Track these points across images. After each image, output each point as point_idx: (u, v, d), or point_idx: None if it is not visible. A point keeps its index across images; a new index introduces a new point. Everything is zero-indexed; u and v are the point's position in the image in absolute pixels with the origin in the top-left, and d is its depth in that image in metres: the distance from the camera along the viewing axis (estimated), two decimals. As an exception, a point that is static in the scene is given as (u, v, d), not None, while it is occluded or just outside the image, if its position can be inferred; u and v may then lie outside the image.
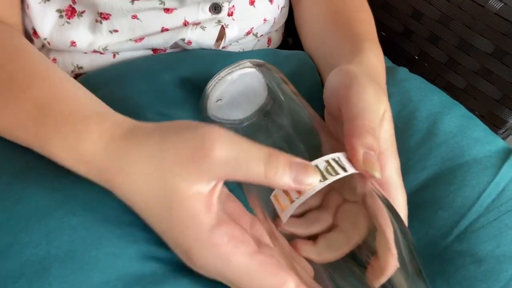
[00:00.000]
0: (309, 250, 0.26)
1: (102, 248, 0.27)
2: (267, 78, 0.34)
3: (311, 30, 0.50)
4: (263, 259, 0.25)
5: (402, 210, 0.30)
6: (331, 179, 0.26)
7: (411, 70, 0.64)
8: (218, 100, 0.34)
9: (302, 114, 0.32)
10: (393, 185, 0.30)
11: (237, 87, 0.34)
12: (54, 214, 0.28)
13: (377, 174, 0.28)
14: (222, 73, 0.34)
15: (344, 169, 0.27)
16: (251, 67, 0.34)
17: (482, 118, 0.58)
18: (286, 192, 0.27)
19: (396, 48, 0.65)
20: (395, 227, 0.26)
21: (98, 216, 0.28)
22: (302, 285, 0.25)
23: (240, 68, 0.34)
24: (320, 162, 0.27)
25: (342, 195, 0.28)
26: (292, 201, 0.26)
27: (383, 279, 0.24)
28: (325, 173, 0.26)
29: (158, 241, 0.28)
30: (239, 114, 0.32)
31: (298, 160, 0.26)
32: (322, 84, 0.45)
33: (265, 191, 0.27)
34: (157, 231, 0.27)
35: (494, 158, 0.38)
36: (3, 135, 0.33)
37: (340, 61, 0.39)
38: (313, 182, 0.25)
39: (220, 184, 0.26)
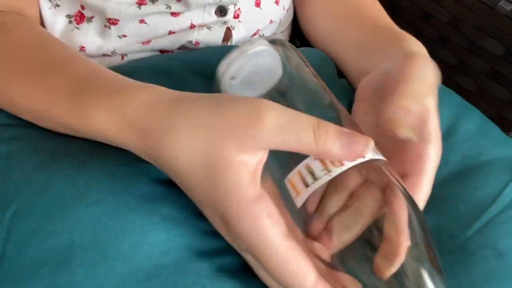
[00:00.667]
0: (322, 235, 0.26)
1: (125, 238, 0.27)
2: (283, 57, 0.33)
3: (324, 27, 0.49)
4: (293, 245, 0.25)
5: (421, 202, 0.31)
6: (348, 164, 0.26)
7: (419, 72, 0.63)
8: (232, 78, 0.32)
9: (320, 94, 0.31)
10: (424, 173, 0.31)
11: (252, 65, 0.33)
12: (77, 204, 0.28)
13: (404, 132, 0.28)
14: (237, 52, 0.33)
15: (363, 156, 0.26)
16: (267, 45, 0.33)
17: (491, 120, 0.58)
18: (301, 176, 0.26)
19: (404, 50, 0.64)
20: (410, 210, 0.26)
21: (121, 206, 0.28)
22: (321, 280, 0.25)
23: (255, 46, 0.33)
24: None
25: (358, 179, 0.27)
26: (307, 186, 0.26)
27: (396, 264, 0.24)
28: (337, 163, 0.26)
29: (180, 230, 0.28)
30: (254, 92, 0.31)
31: (347, 129, 0.26)
32: (340, 77, 0.45)
33: (282, 177, 0.27)
34: (195, 198, 0.27)
35: None
36: (34, 119, 0.33)
37: (377, 52, 0.38)
38: (363, 151, 0.25)
39: (265, 157, 0.26)
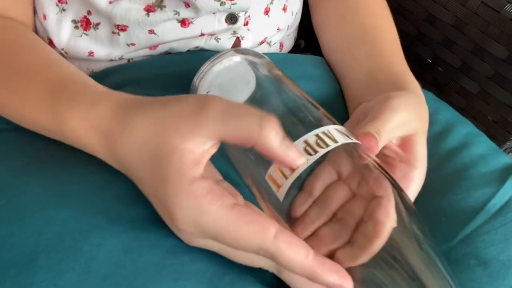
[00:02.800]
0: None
1: (88, 238, 0.28)
2: (254, 65, 0.34)
3: (332, 38, 0.50)
4: (242, 209, 0.25)
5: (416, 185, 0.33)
6: (321, 151, 0.26)
7: (423, 74, 0.64)
8: (208, 92, 0.34)
9: (294, 98, 0.32)
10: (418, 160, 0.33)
11: (224, 77, 0.34)
12: (48, 207, 0.29)
13: (364, 130, 0.30)
14: (208, 65, 0.34)
15: (335, 141, 0.27)
16: (235, 55, 0.34)
17: (494, 123, 0.58)
18: (280, 170, 0.27)
19: (409, 52, 0.64)
20: (396, 196, 0.26)
21: (89, 209, 0.29)
22: (284, 230, 0.25)
23: (224, 58, 0.34)
24: (310, 136, 0.27)
25: (339, 172, 0.28)
26: (286, 178, 0.26)
27: (379, 239, 0.24)
28: (315, 146, 0.26)
29: (145, 230, 0.29)
30: None
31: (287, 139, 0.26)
32: (338, 89, 0.46)
33: (262, 175, 0.28)
34: (145, 192, 0.28)
35: (499, 172, 0.39)
36: (18, 121, 0.35)
37: (380, 91, 0.39)
38: (295, 158, 0.26)
39: (213, 151, 0.27)
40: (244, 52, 0.35)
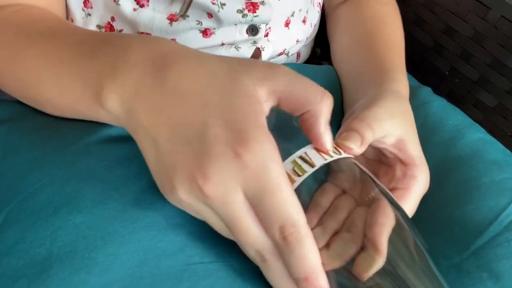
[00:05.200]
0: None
1: (102, 248, 0.27)
2: None
3: (338, 46, 0.50)
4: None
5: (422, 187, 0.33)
6: (298, 180, 0.26)
7: (440, 86, 0.63)
8: None
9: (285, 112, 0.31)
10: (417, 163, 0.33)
11: None
12: (61, 211, 0.28)
13: (353, 145, 0.30)
14: None
15: (312, 165, 0.27)
16: None
17: (511, 138, 0.57)
18: (288, 175, 0.26)
19: (426, 63, 0.64)
20: (390, 205, 0.26)
21: (104, 213, 0.28)
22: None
23: None
24: (287, 164, 0.27)
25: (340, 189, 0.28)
26: (292, 182, 0.26)
27: (377, 260, 0.24)
28: (293, 176, 0.26)
29: (164, 236, 0.28)
30: None
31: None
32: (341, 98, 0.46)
33: None
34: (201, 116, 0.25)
35: None
36: (35, 90, 0.34)
37: (367, 88, 0.40)
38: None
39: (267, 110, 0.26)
40: None
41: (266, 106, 0.26)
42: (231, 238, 0.26)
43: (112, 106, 0.27)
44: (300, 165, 0.26)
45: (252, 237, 0.24)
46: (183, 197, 0.24)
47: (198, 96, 0.25)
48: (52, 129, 0.34)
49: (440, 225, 0.36)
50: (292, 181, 0.26)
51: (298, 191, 0.26)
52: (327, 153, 0.28)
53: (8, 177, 0.30)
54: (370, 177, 0.28)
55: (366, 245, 0.25)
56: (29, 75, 0.33)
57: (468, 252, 0.35)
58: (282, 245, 0.24)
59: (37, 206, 0.28)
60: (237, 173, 0.23)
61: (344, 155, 0.29)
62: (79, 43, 0.31)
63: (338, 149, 0.29)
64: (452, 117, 0.44)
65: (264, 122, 0.25)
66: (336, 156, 0.28)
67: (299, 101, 0.26)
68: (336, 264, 0.25)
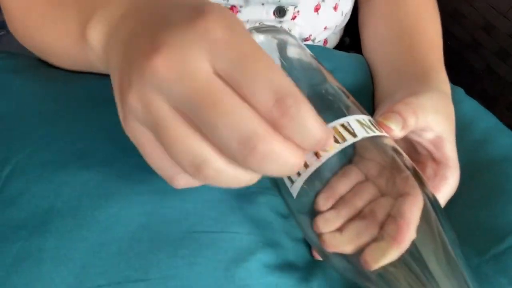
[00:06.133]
0: (336, 239, 0.25)
1: (105, 207, 0.26)
2: (282, 44, 0.32)
3: (375, 38, 0.49)
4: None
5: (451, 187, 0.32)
6: (336, 147, 0.24)
7: (473, 84, 0.60)
8: None
9: (320, 82, 0.30)
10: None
11: None
12: (69, 166, 0.27)
13: (393, 126, 0.29)
14: None
15: (354, 134, 0.25)
16: (262, 33, 0.32)
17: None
18: None
19: (460, 60, 0.61)
20: (423, 193, 0.25)
21: (112, 173, 0.28)
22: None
23: (252, 34, 0.32)
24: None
25: (363, 168, 0.26)
26: (299, 174, 0.25)
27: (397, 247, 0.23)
28: (336, 136, 0.25)
29: (168, 202, 0.27)
30: None
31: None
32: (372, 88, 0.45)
33: None
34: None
35: None
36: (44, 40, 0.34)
37: (409, 84, 0.38)
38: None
39: None
40: (272, 30, 0.33)
41: None
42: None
43: (95, 38, 0.26)
44: (341, 133, 0.25)
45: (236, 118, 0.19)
46: (134, 97, 0.19)
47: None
48: (66, 81, 0.34)
49: (462, 226, 0.35)
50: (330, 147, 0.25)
51: (325, 164, 0.25)
52: (369, 127, 0.26)
53: (19, 128, 0.30)
54: (406, 165, 0.26)
55: (382, 235, 0.24)
56: (35, 21, 0.33)
57: (488, 256, 0.33)
58: (283, 120, 0.19)
59: (46, 159, 0.28)
60: (199, 40, 0.19)
61: (386, 134, 0.27)
62: None
63: (379, 128, 0.28)
64: (484, 119, 0.43)
65: None
66: (378, 133, 0.27)
67: None
68: (346, 249, 0.24)
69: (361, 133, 0.25)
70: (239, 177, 0.20)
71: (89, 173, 0.27)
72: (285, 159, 0.19)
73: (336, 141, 0.25)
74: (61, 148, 0.29)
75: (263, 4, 0.42)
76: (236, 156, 0.19)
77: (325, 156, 0.25)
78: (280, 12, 0.43)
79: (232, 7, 0.42)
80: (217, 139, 0.19)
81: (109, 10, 0.25)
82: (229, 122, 0.18)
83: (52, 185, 0.27)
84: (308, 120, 0.19)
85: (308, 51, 0.33)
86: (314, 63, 0.31)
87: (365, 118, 0.27)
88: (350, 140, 0.25)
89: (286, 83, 0.19)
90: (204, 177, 0.20)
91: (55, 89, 0.34)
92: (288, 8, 0.43)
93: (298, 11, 0.44)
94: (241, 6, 0.42)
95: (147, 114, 0.20)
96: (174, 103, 0.19)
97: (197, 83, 0.18)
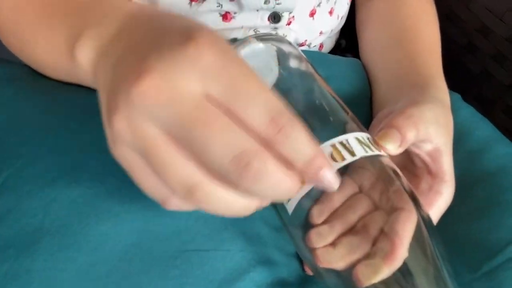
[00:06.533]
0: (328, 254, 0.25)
1: (95, 225, 0.26)
2: (281, 54, 0.32)
3: (373, 43, 0.48)
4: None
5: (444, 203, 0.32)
6: (336, 166, 0.24)
7: (469, 88, 0.60)
8: None
9: (319, 95, 0.30)
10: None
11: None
12: (58, 182, 0.27)
13: (390, 146, 0.28)
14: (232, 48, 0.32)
15: (352, 153, 0.25)
16: (261, 42, 0.32)
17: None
18: None
19: (455, 63, 0.61)
20: (416, 211, 0.25)
21: (101, 189, 0.27)
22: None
23: (249, 43, 0.31)
24: (326, 146, 0.25)
25: (358, 183, 0.26)
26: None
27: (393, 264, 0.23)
28: (329, 159, 0.24)
29: (161, 219, 0.27)
30: None
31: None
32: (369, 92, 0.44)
33: None
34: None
35: None
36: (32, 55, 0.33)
37: (408, 91, 0.38)
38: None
39: None
40: (272, 38, 0.33)
41: None
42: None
43: (84, 57, 0.25)
44: (339, 151, 0.25)
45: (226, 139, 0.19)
46: (121, 121, 0.19)
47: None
48: (59, 92, 0.34)
49: (454, 240, 0.35)
50: None
51: None
52: (368, 145, 0.26)
53: (11, 139, 0.30)
54: (404, 186, 0.26)
55: (375, 251, 0.23)
56: (25, 33, 0.33)
57: (480, 273, 0.33)
58: (279, 137, 0.19)
59: (35, 174, 0.27)
60: (190, 65, 0.19)
61: (383, 152, 0.27)
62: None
63: (378, 147, 0.28)
64: (480, 127, 0.42)
65: None
66: (376, 152, 0.26)
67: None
68: (339, 265, 0.24)
69: (360, 152, 0.25)
70: (232, 201, 0.20)
71: (78, 189, 0.27)
72: (280, 177, 0.19)
73: (334, 159, 0.25)
74: (50, 163, 0.28)
75: (257, 10, 0.42)
76: (230, 174, 0.18)
77: None
78: (275, 17, 0.43)
79: (226, 13, 0.41)
80: (209, 158, 0.19)
81: (99, 30, 0.25)
82: (222, 139, 0.18)
83: (42, 202, 0.26)
84: (303, 138, 0.19)
85: (308, 62, 0.32)
86: (314, 74, 0.31)
87: (364, 136, 0.27)
88: (349, 159, 0.25)
89: (279, 103, 0.19)
90: (196, 201, 0.20)
91: (46, 101, 0.33)
92: (283, 14, 0.43)
93: (293, 17, 0.44)
94: (235, 12, 0.41)
95: (135, 139, 0.19)
96: (164, 126, 0.19)
97: (188, 106, 0.18)
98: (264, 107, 0.19)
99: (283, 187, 0.19)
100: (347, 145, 0.25)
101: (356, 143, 0.26)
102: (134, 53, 0.21)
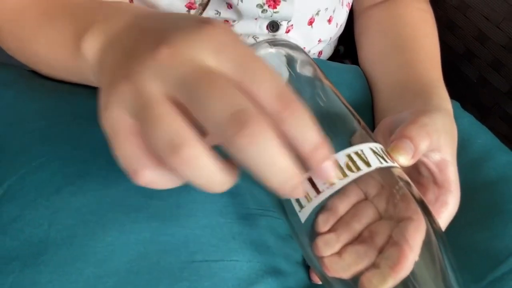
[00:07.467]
0: (335, 263, 0.24)
1: (102, 236, 0.25)
2: (291, 60, 0.31)
3: (373, 50, 0.48)
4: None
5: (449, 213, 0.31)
6: (351, 176, 0.24)
7: (467, 94, 0.60)
8: None
9: (331, 103, 0.29)
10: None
11: None
12: (63, 191, 0.26)
13: (402, 159, 0.28)
14: None
15: (368, 164, 0.24)
16: (271, 47, 0.31)
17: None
18: (306, 192, 0.25)
19: (453, 70, 0.61)
20: (426, 221, 0.24)
21: (107, 199, 0.27)
22: None
23: (259, 48, 0.31)
24: (341, 155, 0.24)
25: (366, 191, 0.26)
26: (309, 201, 0.24)
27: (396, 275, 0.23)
28: (345, 169, 0.24)
29: (167, 230, 0.27)
30: None
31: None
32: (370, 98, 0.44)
33: None
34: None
35: None
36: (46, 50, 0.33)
37: (411, 100, 0.38)
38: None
39: None
40: (282, 44, 0.32)
41: None
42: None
43: (90, 49, 0.25)
44: (355, 161, 0.25)
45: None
46: (128, 82, 0.20)
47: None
48: (58, 96, 0.33)
49: (459, 248, 0.35)
50: (343, 175, 0.24)
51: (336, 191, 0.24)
52: (382, 156, 0.26)
53: (12, 147, 0.29)
54: (415, 197, 0.26)
55: (380, 263, 0.23)
56: (26, 32, 0.33)
57: (485, 282, 0.33)
58: (285, 114, 0.19)
59: (39, 182, 0.27)
60: (205, 40, 0.20)
61: (397, 165, 0.27)
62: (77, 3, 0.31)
63: (390, 158, 0.27)
64: (480, 136, 0.42)
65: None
66: (390, 163, 0.26)
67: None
68: (346, 274, 0.24)
69: (375, 163, 0.25)
70: (213, 171, 0.19)
71: (84, 198, 0.26)
72: (276, 152, 0.18)
73: (350, 169, 0.24)
74: (54, 171, 0.27)
75: (256, 19, 0.42)
76: (225, 130, 0.18)
77: (339, 183, 0.24)
78: (273, 26, 0.43)
79: (225, 22, 0.41)
80: (207, 112, 0.18)
81: (108, 25, 0.25)
82: (223, 96, 0.18)
83: (47, 211, 0.26)
84: (309, 122, 0.20)
85: (320, 69, 0.32)
86: (326, 82, 0.31)
87: (377, 146, 0.26)
88: (365, 169, 0.24)
89: (287, 87, 0.20)
90: (178, 162, 0.18)
91: (46, 106, 0.33)
92: (281, 23, 0.43)
93: (291, 25, 0.44)
94: (234, 21, 0.41)
95: (137, 98, 0.19)
96: (169, 85, 0.19)
97: (197, 69, 0.19)
98: (272, 83, 0.19)
99: (276, 162, 0.18)
100: (362, 155, 0.25)
101: (371, 153, 0.25)
102: (149, 35, 0.21)
